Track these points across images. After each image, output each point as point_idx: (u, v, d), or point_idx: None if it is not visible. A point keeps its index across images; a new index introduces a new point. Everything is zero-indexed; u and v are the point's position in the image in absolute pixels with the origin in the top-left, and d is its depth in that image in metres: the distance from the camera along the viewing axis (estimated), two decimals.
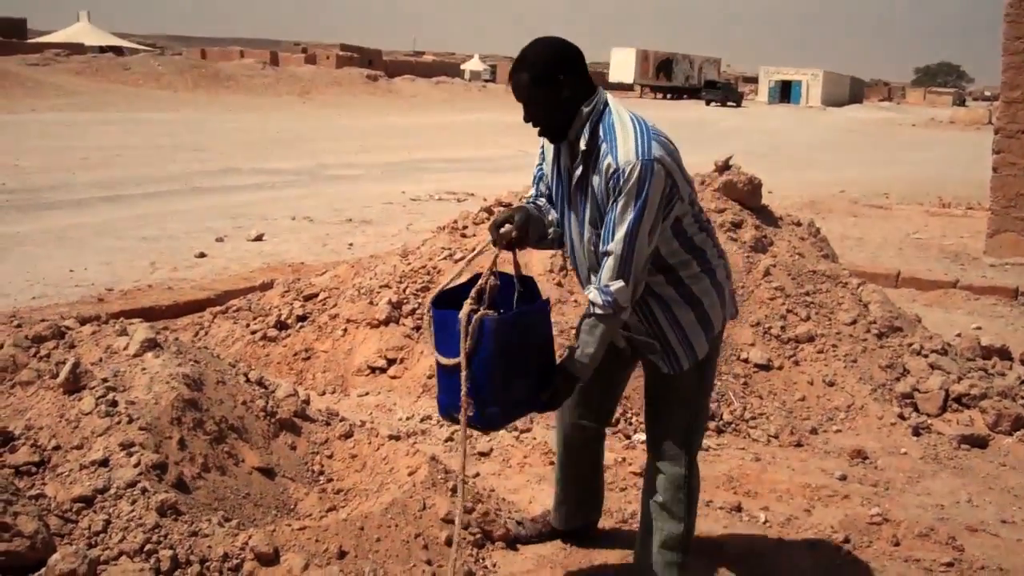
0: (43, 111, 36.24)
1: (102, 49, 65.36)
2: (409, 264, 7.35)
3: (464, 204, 15.86)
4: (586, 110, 3.63)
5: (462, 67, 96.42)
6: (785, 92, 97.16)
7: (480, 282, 3.65)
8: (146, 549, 3.49)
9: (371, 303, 6.93)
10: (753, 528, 4.87)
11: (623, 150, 3.48)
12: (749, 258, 7.30)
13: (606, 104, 3.66)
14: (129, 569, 3.39)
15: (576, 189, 3.71)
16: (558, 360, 3.80)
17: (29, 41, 66.09)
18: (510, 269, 3.83)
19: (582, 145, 3.61)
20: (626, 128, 3.56)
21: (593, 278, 3.66)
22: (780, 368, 6.63)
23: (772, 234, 7.70)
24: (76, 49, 60.85)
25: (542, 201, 3.97)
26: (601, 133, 3.58)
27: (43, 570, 3.31)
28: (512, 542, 4.37)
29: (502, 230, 3.75)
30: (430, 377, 6.22)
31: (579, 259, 3.84)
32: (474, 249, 4.00)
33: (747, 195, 7.77)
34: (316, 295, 7.37)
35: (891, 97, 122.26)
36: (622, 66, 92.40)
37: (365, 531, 3.87)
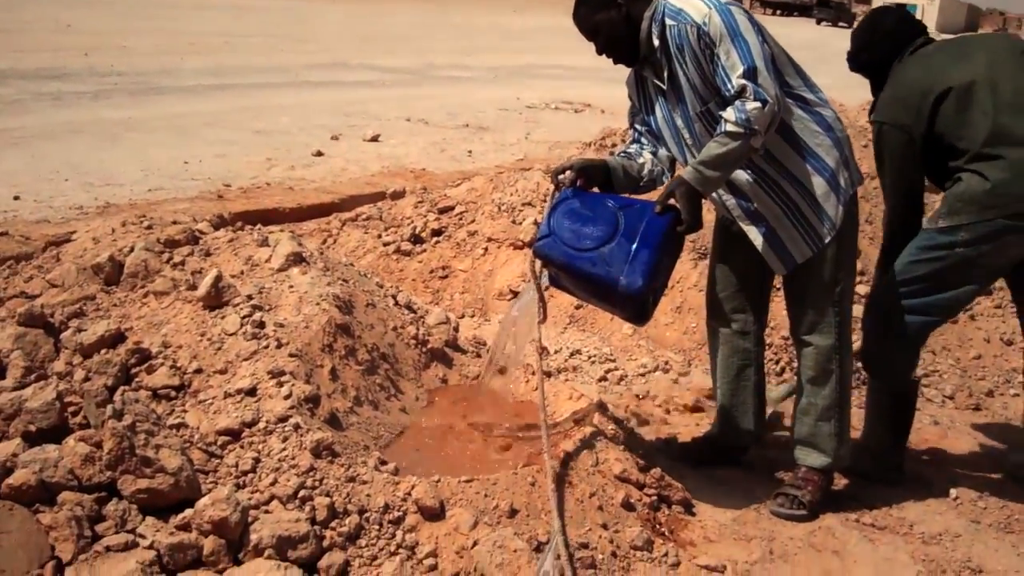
0: None
1: None
2: None
3: (582, 115, 15.32)
4: (648, 15, 3.67)
5: None
6: None
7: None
8: (300, 495, 3.09)
9: (513, 222, 6.43)
10: (943, 505, 4.34)
11: (693, 11, 3.54)
12: None
13: (665, 2, 3.67)
14: (284, 518, 2.99)
15: (671, 91, 3.75)
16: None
17: None
18: None
19: (655, 41, 3.66)
20: (685, 0, 3.60)
21: None
22: (955, 322, 6.07)
23: None
24: None
25: (634, 148, 4.01)
26: (669, 20, 3.60)
27: (189, 512, 2.94)
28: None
29: (560, 177, 3.86)
30: (578, 307, 5.76)
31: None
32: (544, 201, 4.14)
33: None
34: (452, 208, 6.85)
35: (1006, 28, 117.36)
36: None
37: (536, 487, 3.44)
